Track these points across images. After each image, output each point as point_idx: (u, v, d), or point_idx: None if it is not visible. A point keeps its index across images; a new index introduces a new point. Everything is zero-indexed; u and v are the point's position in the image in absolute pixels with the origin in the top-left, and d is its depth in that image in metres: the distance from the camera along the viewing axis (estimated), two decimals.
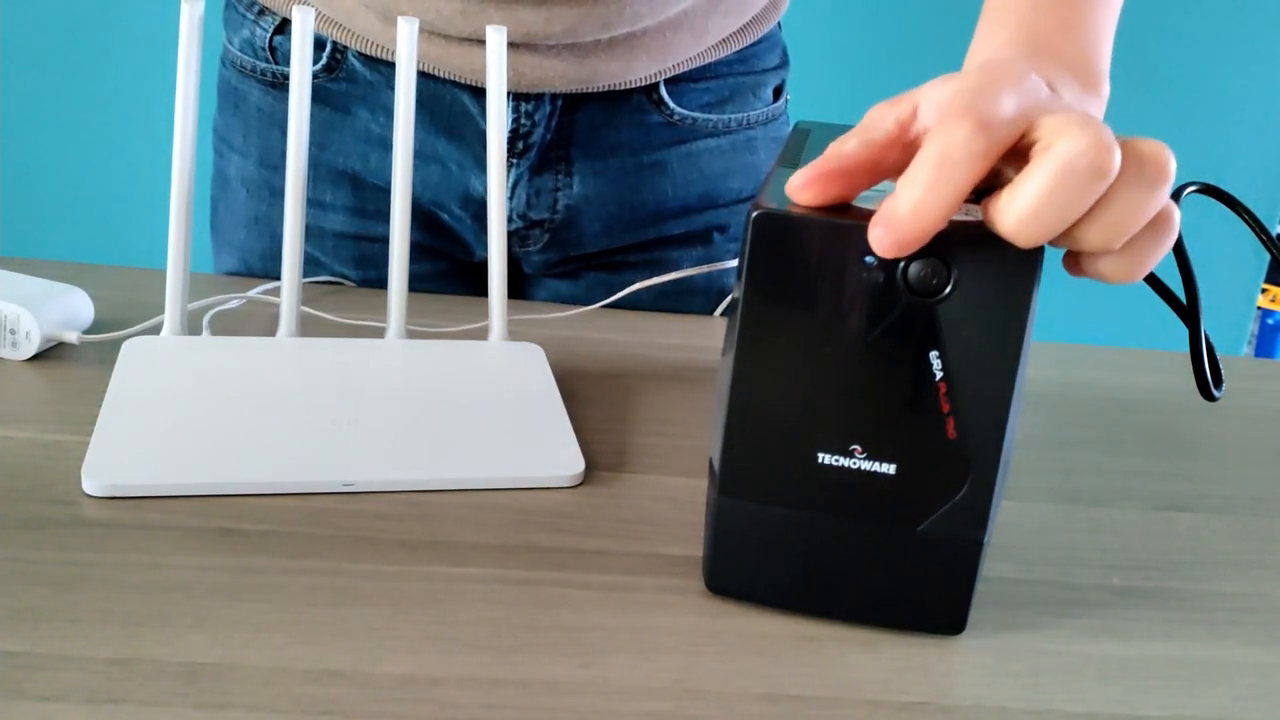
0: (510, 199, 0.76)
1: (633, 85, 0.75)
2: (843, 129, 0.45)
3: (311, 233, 0.77)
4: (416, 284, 0.76)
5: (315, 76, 0.74)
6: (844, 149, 0.40)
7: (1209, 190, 0.49)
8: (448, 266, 0.80)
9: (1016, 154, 0.39)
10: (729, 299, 0.73)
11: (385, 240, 0.77)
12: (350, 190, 0.77)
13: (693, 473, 0.56)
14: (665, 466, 0.56)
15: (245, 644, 0.41)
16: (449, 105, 0.74)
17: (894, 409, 0.42)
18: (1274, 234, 0.51)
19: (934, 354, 0.41)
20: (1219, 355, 0.50)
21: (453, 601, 0.45)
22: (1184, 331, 0.49)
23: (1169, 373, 0.75)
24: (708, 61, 0.77)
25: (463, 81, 0.73)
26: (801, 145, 0.49)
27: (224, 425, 0.53)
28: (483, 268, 0.76)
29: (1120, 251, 0.40)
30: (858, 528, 0.44)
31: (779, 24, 0.82)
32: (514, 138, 0.74)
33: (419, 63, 0.71)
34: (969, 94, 0.38)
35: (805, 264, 0.41)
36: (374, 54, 0.73)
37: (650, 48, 0.73)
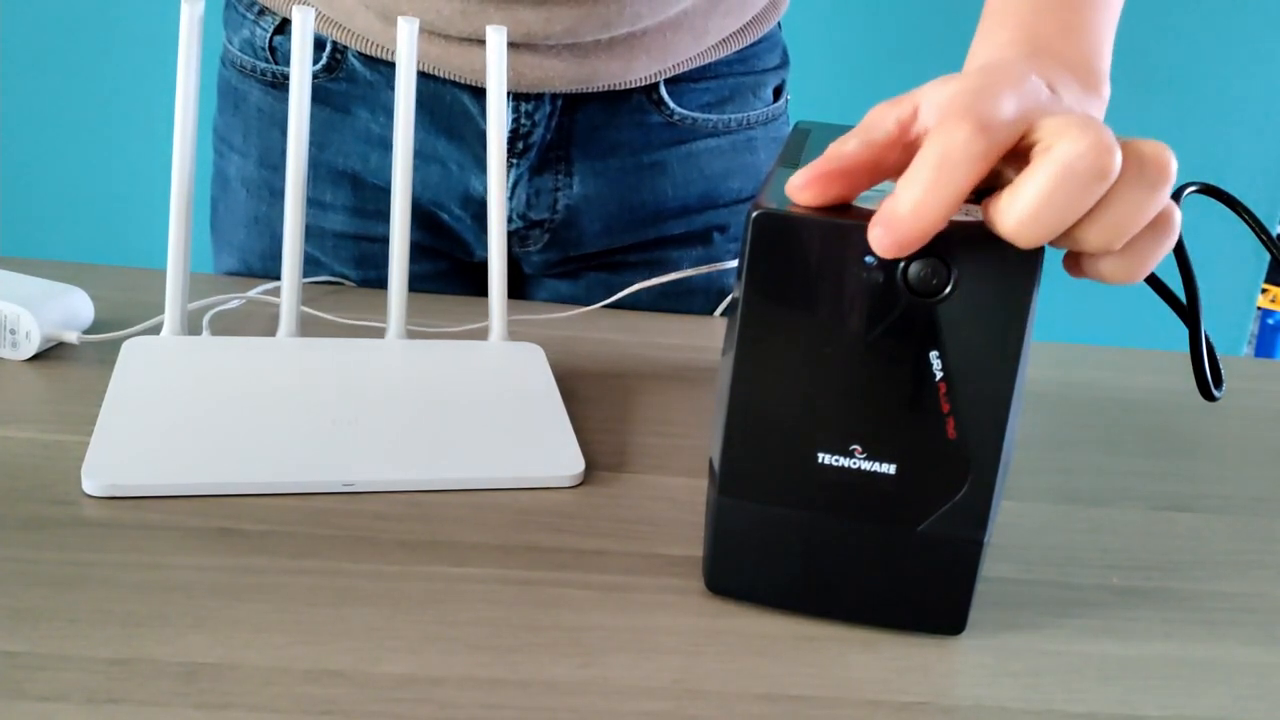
0: (510, 199, 0.76)
1: (633, 85, 0.75)
2: (843, 129, 0.45)
3: (311, 233, 0.77)
4: (416, 284, 0.76)
5: (315, 76, 0.74)
6: (844, 149, 0.40)
7: (1209, 190, 0.49)
8: (448, 266, 0.80)
9: (1017, 155, 0.39)
10: (729, 299, 0.73)
11: (385, 240, 0.77)
12: (350, 190, 0.77)
13: (693, 473, 0.56)
14: (665, 466, 0.56)
15: (245, 644, 0.41)
16: (449, 105, 0.74)
17: (894, 409, 0.42)
18: (1274, 234, 0.51)
19: (934, 354, 0.41)
20: (1219, 355, 0.50)
21: (453, 601, 0.45)
22: (1184, 331, 0.49)
23: (1169, 373, 0.75)
24: (708, 61, 0.77)
25: (463, 81, 0.73)
26: (801, 145, 0.49)
27: (224, 425, 0.53)
28: (483, 268, 0.76)
29: (1121, 252, 0.40)
30: (858, 528, 0.44)
31: (779, 24, 0.82)
32: (514, 138, 0.74)
33: (419, 63, 0.71)
34: (969, 95, 0.38)
35: (805, 264, 0.41)
36: (374, 54, 0.73)
37: (650, 48, 0.73)
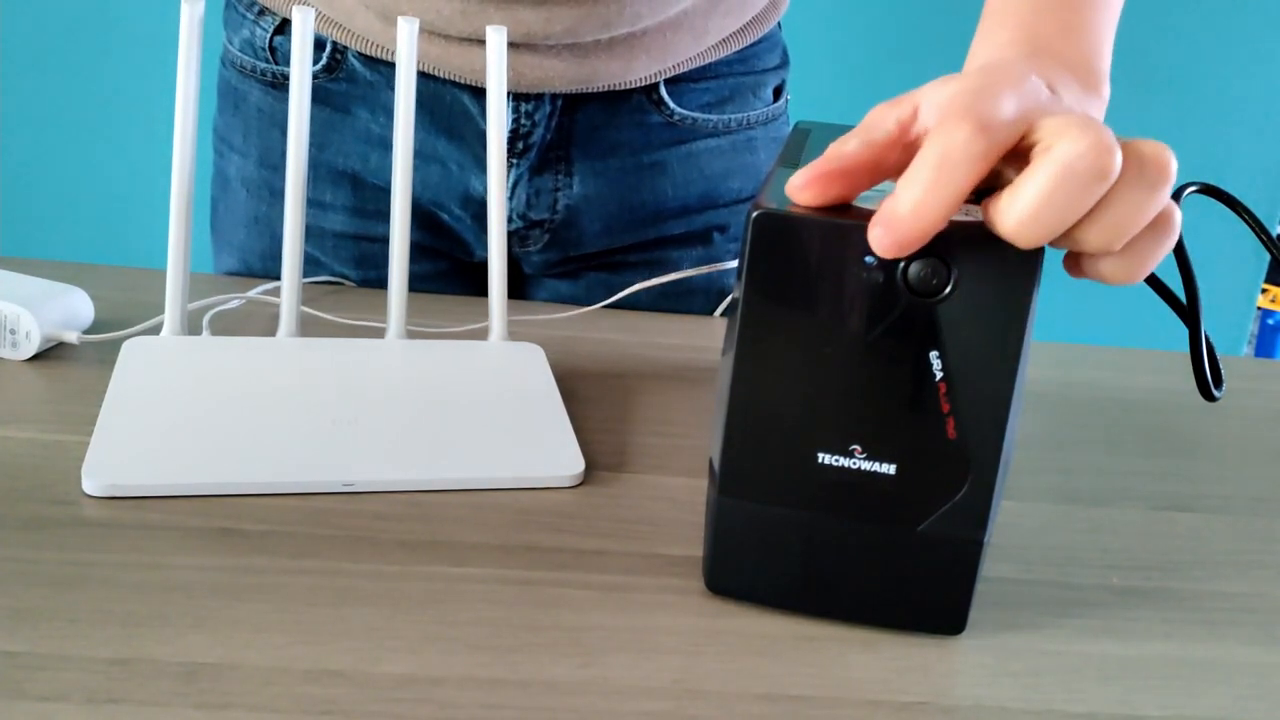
0: (510, 199, 0.76)
1: (633, 85, 0.75)
2: (843, 129, 0.45)
3: (311, 233, 0.77)
4: (416, 284, 0.76)
5: (315, 76, 0.74)
6: (844, 149, 0.40)
7: (1209, 190, 0.49)
8: (448, 266, 0.80)
9: (1017, 155, 0.39)
10: (729, 299, 0.73)
11: (385, 240, 0.77)
12: (350, 190, 0.77)
13: (693, 473, 0.56)
14: (665, 466, 0.56)
15: (245, 644, 0.41)
16: (449, 105, 0.74)
17: (894, 409, 0.42)
18: (1274, 234, 0.51)
19: (934, 354, 0.41)
20: (1219, 355, 0.50)
21: (453, 601, 0.45)
22: (1184, 331, 0.49)
23: (1169, 373, 0.75)
24: (708, 61, 0.77)
25: (463, 81, 0.73)
26: (801, 145, 0.49)
27: (224, 425, 0.53)
28: (483, 268, 0.76)
29: (1121, 252, 0.40)
30: (858, 528, 0.44)
31: (779, 24, 0.82)
32: (514, 138, 0.74)
33: (419, 63, 0.71)
34: (969, 95, 0.38)
35: (805, 264, 0.41)
36: (374, 54, 0.73)
37: (650, 48, 0.73)
